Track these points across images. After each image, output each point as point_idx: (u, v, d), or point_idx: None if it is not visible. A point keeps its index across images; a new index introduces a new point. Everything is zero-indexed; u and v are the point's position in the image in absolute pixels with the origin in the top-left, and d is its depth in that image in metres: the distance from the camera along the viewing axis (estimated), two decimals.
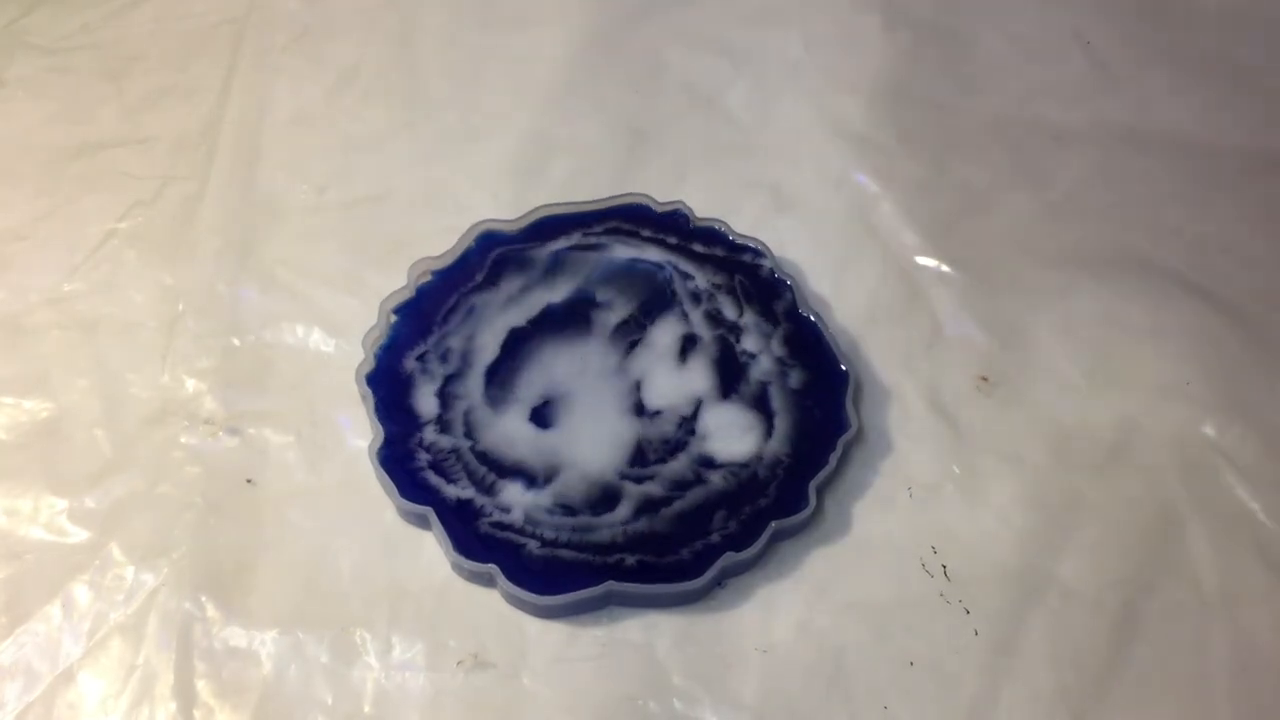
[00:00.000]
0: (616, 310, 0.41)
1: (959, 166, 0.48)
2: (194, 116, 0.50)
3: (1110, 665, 0.35)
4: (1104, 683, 0.35)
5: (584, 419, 0.39)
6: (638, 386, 0.40)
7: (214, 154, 0.49)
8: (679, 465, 0.38)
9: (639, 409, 0.39)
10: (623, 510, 0.37)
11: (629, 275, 0.42)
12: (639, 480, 0.37)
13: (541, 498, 0.37)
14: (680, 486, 0.37)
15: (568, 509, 0.37)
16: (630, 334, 0.41)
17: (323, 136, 0.50)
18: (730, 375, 0.40)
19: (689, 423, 0.39)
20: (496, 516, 0.36)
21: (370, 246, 0.45)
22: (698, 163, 0.49)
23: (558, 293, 0.42)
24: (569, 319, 0.41)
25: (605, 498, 0.37)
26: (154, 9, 0.55)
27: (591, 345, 0.40)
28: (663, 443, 0.38)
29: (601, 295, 0.42)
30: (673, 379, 0.40)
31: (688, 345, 0.41)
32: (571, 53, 0.53)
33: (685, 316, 0.41)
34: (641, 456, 0.38)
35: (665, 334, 0.41)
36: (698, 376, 0.40)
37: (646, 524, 0.36)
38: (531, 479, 0.37)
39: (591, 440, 0.38)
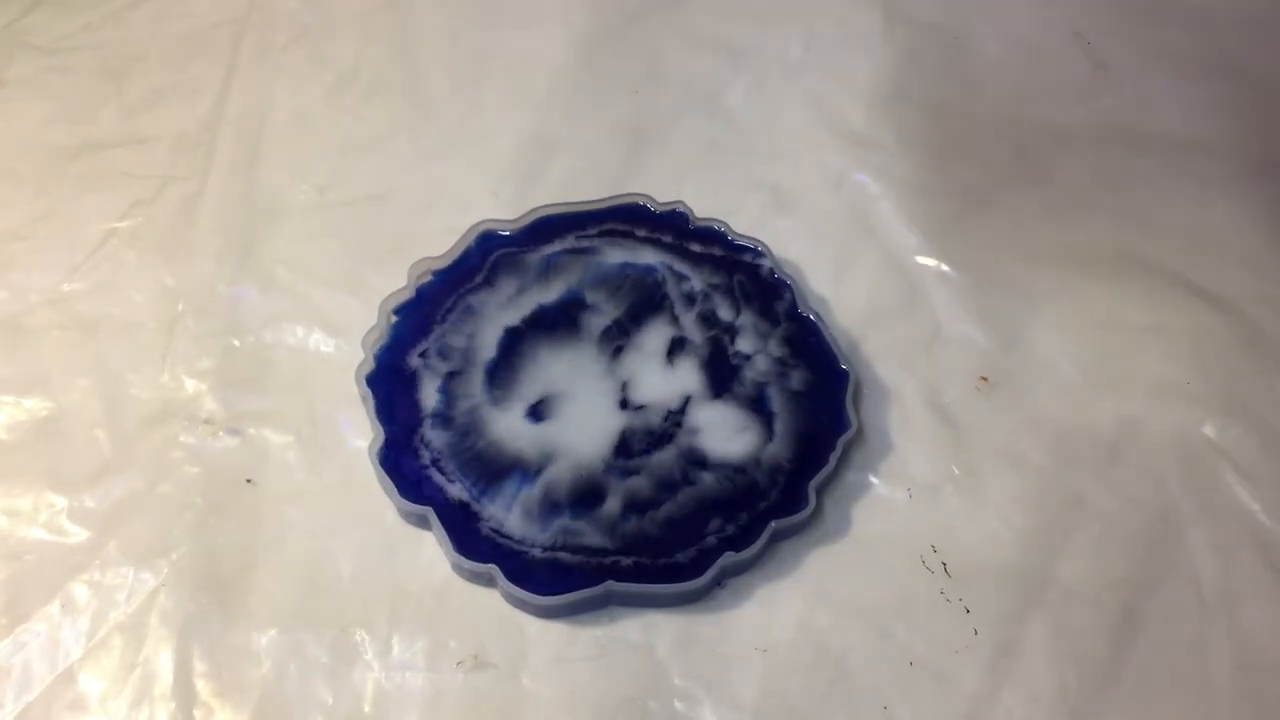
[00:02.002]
0: (604, 314, 0.41)
1: (959, 166, 0.48)
2: (194, 116, 0.50)
3: (1110, 665, 0.35)
4: (1104, 683, 0.35)
5: (575, 413, 0.39)
6: (624, 386, 0.40)
7: (214, 154, 0.49)
8: (666, 460, 0.38)
9: (624, 404, 0.39)
10: (611, 505, 0.37)
11: (619, 279, 0.43)
12: (624, 474, 0.37)
13: (534, 490, 0.37)
14: (669, 486, 0.37)
15: (557, 505, 0.37)
16: (615, 339, 0.41)
17: (323, 136, 0.50)
18: (722, 376, 0.40)
19: (676, 415, 0.39)
20: (495, 523, 0.37)
21: (370, 246, 0.45)
22: (698, 163, 0.49)
23: (550, 294, 0.42)
24: (561, 321, 0.41)
25: (592, 489, 0.37)
26: (154, 9, 0.55)
27: (582, 347, 0.41)
28: (646, 433, 0.38)
29: (591, 298, 0.42)
30: (660, 380, 0.40)
31: (675, 348, 0.41)
32: (571, 53, 0.53)
33: (675, 319, 0.41)
34: (626, 448, 0.38)
35: (653, 338, 0.41)
36: (686, 377, 0.40)
37: (636, 523, 0.36)
38: (525, 472, 0.37)
39: (581, 432, 0.38)
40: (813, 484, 0.37)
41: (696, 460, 0.38)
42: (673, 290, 0.42)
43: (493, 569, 0.35)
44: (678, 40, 0.53)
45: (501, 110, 0.51)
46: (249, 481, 0.39)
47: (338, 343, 0.42)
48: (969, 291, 0.44)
